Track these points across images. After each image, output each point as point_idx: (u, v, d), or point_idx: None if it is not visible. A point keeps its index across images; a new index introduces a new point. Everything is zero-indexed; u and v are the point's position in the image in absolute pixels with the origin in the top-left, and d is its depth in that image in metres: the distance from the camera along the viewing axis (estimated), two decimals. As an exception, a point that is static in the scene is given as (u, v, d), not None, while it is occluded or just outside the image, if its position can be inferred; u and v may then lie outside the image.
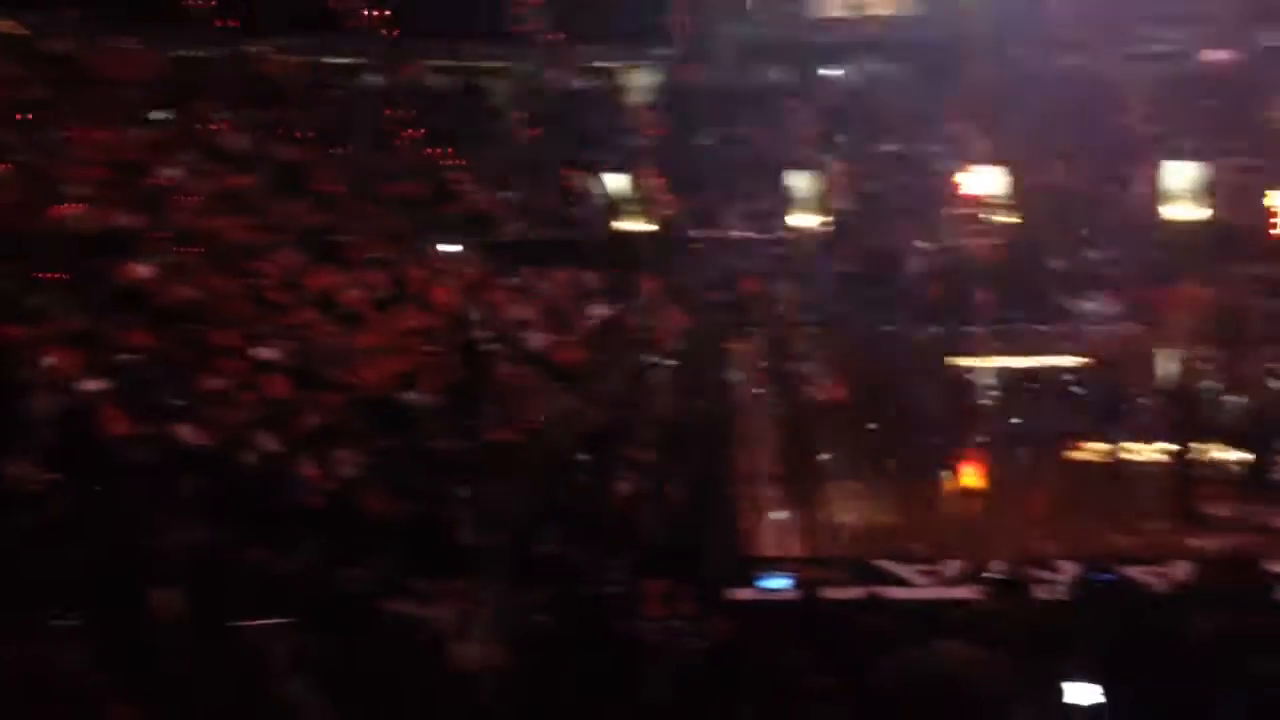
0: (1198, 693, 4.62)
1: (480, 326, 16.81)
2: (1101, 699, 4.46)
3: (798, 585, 8.95)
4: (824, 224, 25.66)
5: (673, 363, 17.70)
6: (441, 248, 22.56)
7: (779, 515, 13.13)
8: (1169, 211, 24.22)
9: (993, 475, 14.62)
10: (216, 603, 5.55)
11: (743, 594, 9.45)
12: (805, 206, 25.67)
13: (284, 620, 4.74)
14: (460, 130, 29.28)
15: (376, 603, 3.92)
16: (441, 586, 6.25)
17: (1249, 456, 12.57)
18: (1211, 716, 4.50)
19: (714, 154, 29.57)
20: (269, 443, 9.83)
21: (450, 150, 28.05)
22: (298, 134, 25.63)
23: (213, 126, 23.39)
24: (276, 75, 29.46)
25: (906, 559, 11.01)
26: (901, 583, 10.35)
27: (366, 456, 10.23)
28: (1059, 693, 4.48)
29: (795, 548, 12.09)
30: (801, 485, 13.71)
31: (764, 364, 18.65)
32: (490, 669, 4.71)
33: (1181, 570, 8.25)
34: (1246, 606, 5.60)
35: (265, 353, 12.23)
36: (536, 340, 17.12)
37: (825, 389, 16.76)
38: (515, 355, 15.82)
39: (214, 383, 10.86)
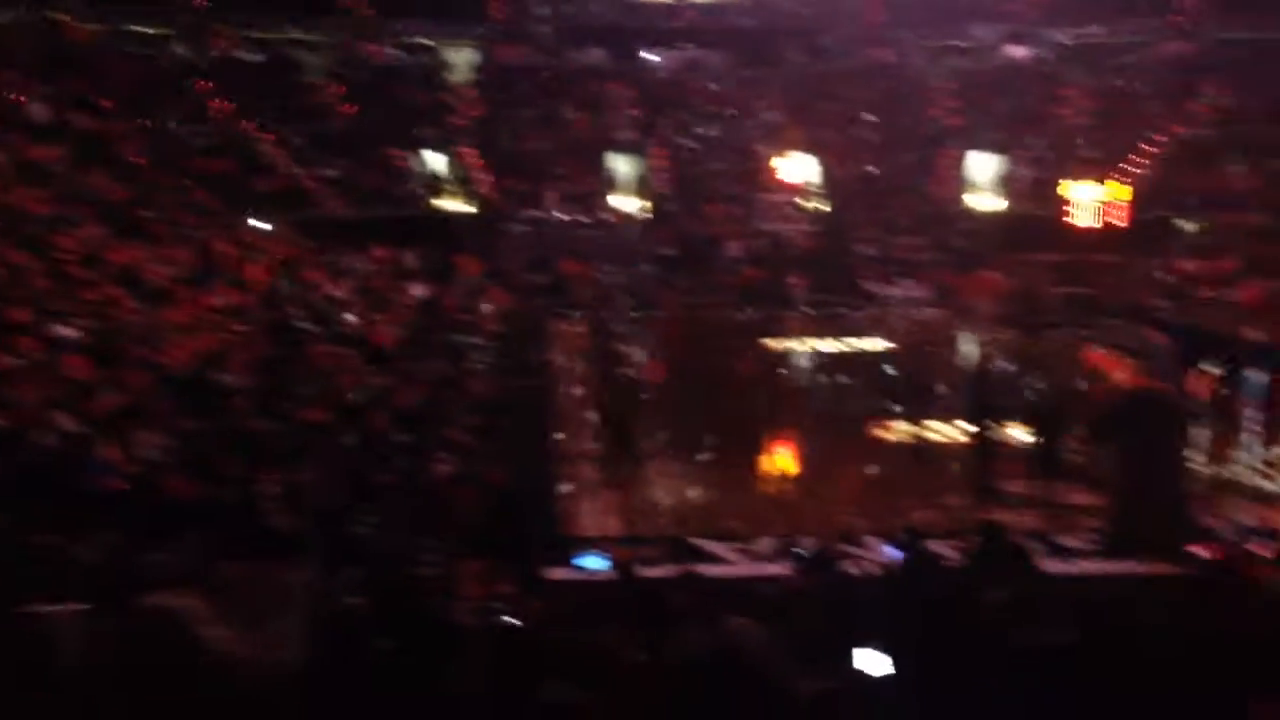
0: (980, 663, 4.87)
1: (294, 305, 16.46)
2: (890, 670, 4.63)
3: (615, 564, 9.03)
4: (643, 207, 25.95)
5: (492, 343, 17.65)
6: (254, 224, 22.01)
7: (597, 495, 13.22)
8: (971, 201, 25.32)
9: (806, 454, 15.04)
10: (9, 588, 5.34)
11: (560, 574, 9.51)
12: (625, 189, 25.94)
13: (79, 607, 4.60)
14: (274, 104, 28.55)
15: (176, 589, 3.82)
16: (250, 571, 6.11)
17: (1042, 436, 13.15)
18: (994, 687, 4.73)
19: (534, 135, 29.51)
20: (67, 423, 9.44)
21: (263, 124, 27.33)
22: (102, 104, 24.57)
23: (11, 96, 22.24)
24: (80, 43, 28.20)
25: (722, 537, 11.23)
26: (717, 560, 10.54)
27: (172, 438, 9.91)
28: (852, 664, 4.65)
29: (614, 527, 12.17)
30: (621, 465, 13.83)
31: (584, 345, 18.75)
32: (295, 654, 4.64)
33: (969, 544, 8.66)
34: (1012, 578, 5.92)
35: (65, 330, 11.74)
36: (352, 320, 16.85)
37: (644, 370, 16.96)
38: (330, 335, 15.54)
39: (10, 361, 10.39)
